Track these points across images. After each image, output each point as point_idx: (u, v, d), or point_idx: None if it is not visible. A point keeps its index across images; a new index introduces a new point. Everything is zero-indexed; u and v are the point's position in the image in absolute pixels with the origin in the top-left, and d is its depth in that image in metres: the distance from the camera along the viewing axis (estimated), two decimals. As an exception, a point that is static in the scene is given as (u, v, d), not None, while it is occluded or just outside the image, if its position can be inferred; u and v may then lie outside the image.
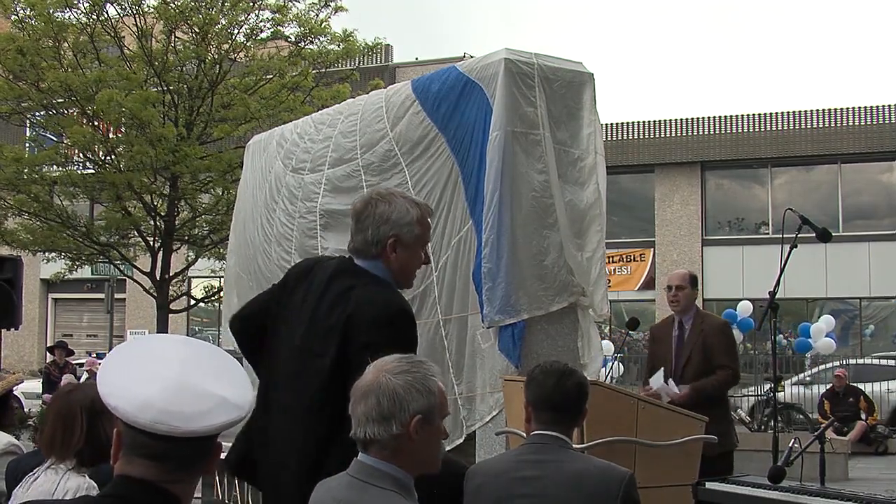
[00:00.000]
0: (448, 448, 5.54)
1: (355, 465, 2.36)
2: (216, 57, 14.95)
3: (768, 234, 25.20)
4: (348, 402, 2.41)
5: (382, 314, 2.92)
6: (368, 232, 3.05)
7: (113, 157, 15.29)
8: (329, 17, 15.34)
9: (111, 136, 15.30)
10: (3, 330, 7.85)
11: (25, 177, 15.15)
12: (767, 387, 16.01)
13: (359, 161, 6.46)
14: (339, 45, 15.41)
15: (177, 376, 1.77)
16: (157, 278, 15.31)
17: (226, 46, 15.09)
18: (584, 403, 3.14)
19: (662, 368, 5.89)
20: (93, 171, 15.72)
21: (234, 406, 1.80)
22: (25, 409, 14.90)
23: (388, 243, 3.05)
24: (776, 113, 25.47)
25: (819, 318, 19.24)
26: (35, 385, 15.88)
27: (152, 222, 15.55)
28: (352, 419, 2.33)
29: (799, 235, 5.35)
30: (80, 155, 15.66)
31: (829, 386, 16.19)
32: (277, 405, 3.07)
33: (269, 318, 3.22)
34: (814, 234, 5.53)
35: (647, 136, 26.27)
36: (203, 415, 1.74)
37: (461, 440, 5.78)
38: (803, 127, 25.03)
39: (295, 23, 15.35)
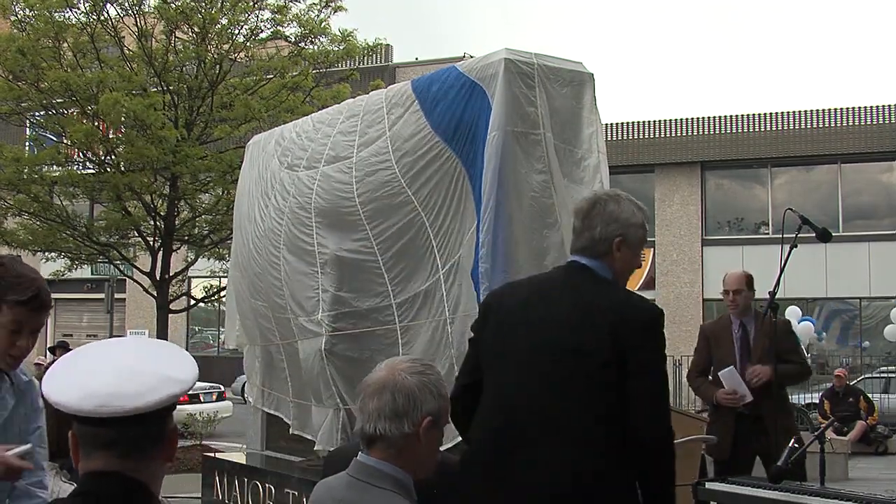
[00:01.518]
0: (449, 446, 5.54)
1: (355, 466, 2.35)
2: (216, 57, 14.94)
3: (768, 234, 25.20)
4: (623, 408, 2.78)
5: (649, 317, 2.98)
6: (597, 230, 3.10)
7: (113, 157, 15.28)
8: (329, 17, 15.35)
9: (111, 136, 15.29)
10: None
11: (25, 177, 15.14)
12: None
13: (353, 158, 6.48)
14: (339, 46, 15.41)
15: (118, 365, 1.84)
16: (157, 278, 15.31)
17: (226, 46, 15.08)
18: None
19: (732, 367, 5.79)
20: (93, 172, 15.72)
21: (176, 381, 1.83)
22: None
23: (615, 242, 3.10)
24: (776, 113, 25.47)
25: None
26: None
27: (152, 222, 15.54)
28: (359, 414, 2.33)
29: (799, 235, 5.34)
30: (80, 155, 15.66)
31: (829, 386, 16.20)
32: (529, 412, 2.98)
33: (484, 362, 3.17)
34: (814, 234, 5.52)
35: (647, 136, 26.28)
36: (146, 392, 1.77)
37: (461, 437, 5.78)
38: (803, 127, 25.03)
39: (295, 23, 15.35)
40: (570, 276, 3.14)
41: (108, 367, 1.83)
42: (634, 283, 28.61)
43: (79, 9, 14.84)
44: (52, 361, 15.00)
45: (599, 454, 2.87)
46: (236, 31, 15.17)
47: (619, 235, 3.10)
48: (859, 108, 24.83)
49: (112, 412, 1.75)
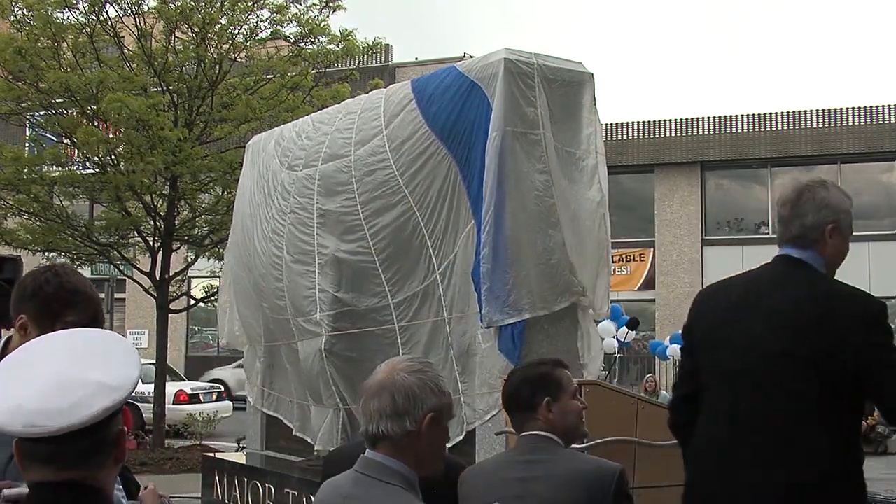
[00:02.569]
0: (447, 446, 5.54)
1: (361, 462, 2.38)
2: (216, 57, 14.94)
3: (768, 234, 25.19)
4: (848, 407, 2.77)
5: (872, 310, 2.88)
6: (808, 217, 3.00)
7: (113, 157, 15.28)
8: (328, 17, 15.34)
9: (111, 135, 15.28)
10: (3, 330, 7.85)
11: (25, 177, 15.13)
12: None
13: (351, 157, 6.49)
14: (338, 45, 15.40)
15: (50, 374, 1.73)
16: (157, 278, 15.30)
17: (226, 46, 15.08)
18: (532, 397, 3.08)
19: None
20: (93, 172, 15.71)
21: (111, 389, 1.73)
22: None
23: (828, 229, 3.00)
24: (776, 113, 25.46)
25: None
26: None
27: (152, 222, 15.54)
28: (362, 416, 2.36)
29: (799, 235, 5.33)
30: (81, 155, 15.65)
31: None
32: (747, 420, 2.92)
33: (699, 369, 3.10)
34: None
35: (647, 136, 26.26)
36: (77, 406, 1.67)
37: (461, 437, 5.79)
38: (803, 127, 25.02)
39: (294, 22, 15.35)
40: (783, 271, 3.03)
41: (38, 377, 1.72)
42: (635, 283, 28.45)
43: (77, 9, 14.83)
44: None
45: (823, 459, 2.80)
46: (236, 31, 15.17)
47: (831, 222, 3.00)
48: (859, 108, 24.83)
49: (40, 432, 1.64)
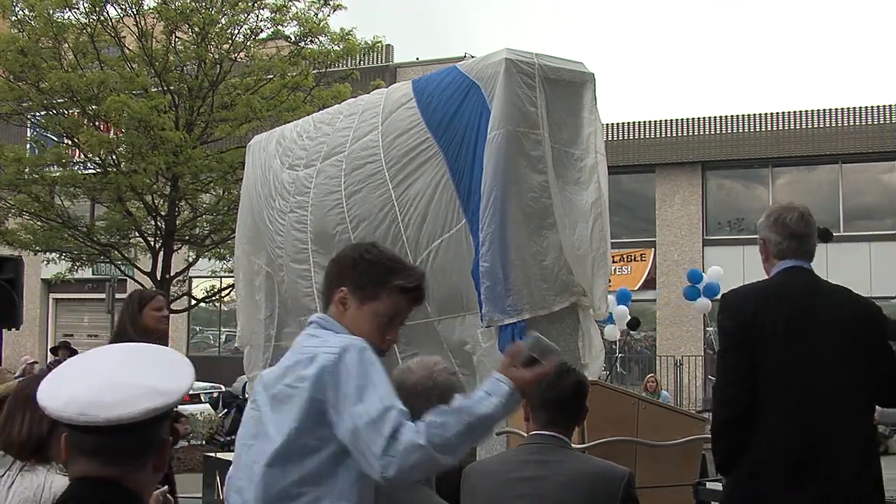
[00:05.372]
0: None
1: None
2: (216, 57, 14.95)
3: (769, 234, 25.17)
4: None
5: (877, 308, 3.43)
6: (814, 236, 3.46)
7: (114, 156, 15.29)
8: (328, 17, 15.36)
9: (112, 135, 15.29)
10: (4, 330, 7.87)
11: (26, 177, 15.15)
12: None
13: (345, 153, 6.50)
14: (338, 45, 15.42)
15: (108, 374, 1.84)
16: (158, 278, 15.31)
17: (226, 46, 15.09)
18: (582, 402, 3.14)
19: None
20: (94, 172, 15.73)
21: (159, 393, 1.82)
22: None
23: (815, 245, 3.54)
24: (777, 113, 25.45)
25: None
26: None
27: (153, 222, 15.55)
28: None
29: (799, 235, 5.33)
30: (82, 155, 15.67)
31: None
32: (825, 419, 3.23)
33: (762, 380, 3.29)
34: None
35: (647, 136, 26.25)
36: (125, 403, 1.78)
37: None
38: (804, 127, 25.01)
39: (295, 22, 15.36)
40: (816, 280, 3.40)
41: (97, 376, 1.84)
42: (635, 283, 28.43)
43: (78, 9, 14.84)
44: (55, 361, 15.10)
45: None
46: (236, 31, 15.19)
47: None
48: (860, 108, 24.82)
49: (88, 421, 1.76)
